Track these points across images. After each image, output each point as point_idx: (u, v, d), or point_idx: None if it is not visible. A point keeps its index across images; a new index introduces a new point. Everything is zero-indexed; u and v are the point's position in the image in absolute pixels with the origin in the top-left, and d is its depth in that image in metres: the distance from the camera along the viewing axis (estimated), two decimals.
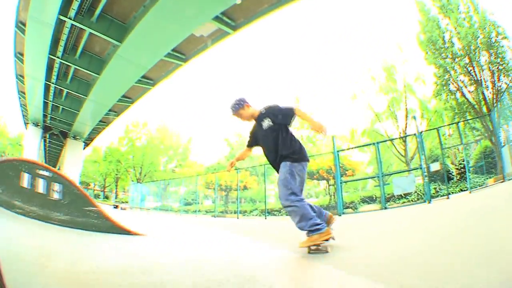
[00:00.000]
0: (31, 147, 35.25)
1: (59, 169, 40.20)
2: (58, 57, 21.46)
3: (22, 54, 23.56)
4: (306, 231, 2.98)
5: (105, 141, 49.96)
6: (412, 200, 12.64)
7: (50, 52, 20.67)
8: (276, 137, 3.12)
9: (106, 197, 50.93)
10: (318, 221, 2.96)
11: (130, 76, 22.25)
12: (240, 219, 15.08)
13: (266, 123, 3.20)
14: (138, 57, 19.45)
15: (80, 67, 22.58)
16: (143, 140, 43.96)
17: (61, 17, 16.98)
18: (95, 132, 39.57)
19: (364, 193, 20.15)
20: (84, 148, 44.31)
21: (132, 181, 38.92)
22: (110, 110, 30.87)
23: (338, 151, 12.83)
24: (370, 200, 16.15)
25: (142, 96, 27.87)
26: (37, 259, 2.04)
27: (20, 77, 28.93)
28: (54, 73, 24.04)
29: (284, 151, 3.07)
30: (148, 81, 24.90)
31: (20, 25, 20.79)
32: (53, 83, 25.60)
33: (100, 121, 33.95)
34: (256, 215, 19.63)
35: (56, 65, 22.87)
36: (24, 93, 31.46)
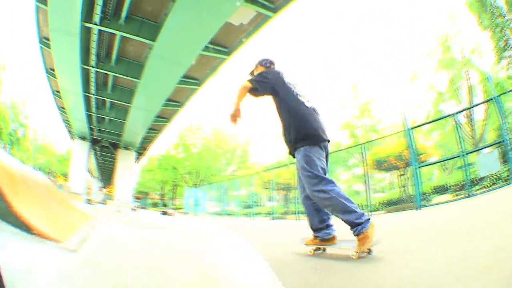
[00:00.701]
0: (79, 160, 40.59)
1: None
2: (92, 67, 23.96)
3: (53, 70, 26.76)
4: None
5: (160, 149, 55.40)
6: (487, 186, 11.94)
7: (82, 62, 23.08)
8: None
9: (165, 205, 57.22)
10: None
11: (171, 77, 23.80)
12: (301, 221, 15.19)
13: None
14: (175, 54, 20.65)
15: (118, 74, 25.02)
16: (198, 145, 47.16)
17: (86, 24, 19.01)
18: (147, 141, 43.82)
19: (433, 183, 21.10)
20: (137, 158, 49.33)
21: (187, 186, 41.88)
22: (159, 117, 33.78)
23: (411, 129, 12.33)
24: (442, 189, 16.42)
25: (190, 97, 29.56)
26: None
27: (57, 93, 33.17)
28: (92, 84, 26.93)
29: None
30: (193, 81, 26.30)
31: (45, 41, 23.93)
32: (92, 94, 28.69)
33: (151, 128, 37.25)
34: None
35: (92, 75, 25.56)
36: (64, 108, 36.14)
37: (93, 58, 23.37)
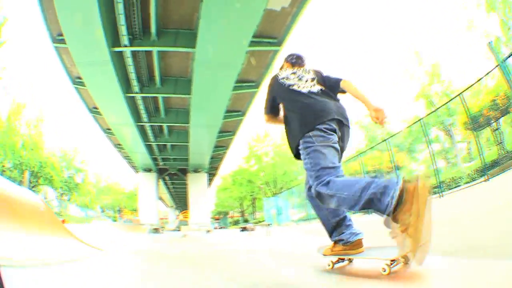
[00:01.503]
0: (146, 193, 40.82)
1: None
2: (136, 93, 22.66)
3: (96, 108, 26.27)
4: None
5: (232, 166, 55.56)
6: None
7: (124, 92, 21.85)
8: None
9: (246, 221, 57.11)
10: None
11: (224, 83, 21.79)
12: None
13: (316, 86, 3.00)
14: (221, 57, 18.95)
15: (167, 94, 23.66)
16: (270, 153, 45.45)
17: (115, 49, 17.80)
18: (216, 160, 42.62)
19: None
20: (210, 180, 48.74)
21: (266, 197, 40.26)
22: (223, 131, 31.88)
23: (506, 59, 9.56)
24: None
25: (251, 103, 27.37)
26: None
27: (108, 131, 32.75)
28: (142, 112, 25.70)
29: None
30: (249, 84, 24.20)
31: (77, 80, 23.16)
32: (145, 123, 27.53)
33: (217, 146, 35.63)
34: None
35: (139, 102, 24.22)
36: (120, 144, 35.99)
37: (134, 84, 21.84)
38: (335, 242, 2.74)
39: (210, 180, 47.78)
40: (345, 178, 2.44)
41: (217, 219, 64.19)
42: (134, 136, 29.73)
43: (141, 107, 25.10)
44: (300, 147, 2.69)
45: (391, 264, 2.20)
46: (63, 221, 28.98)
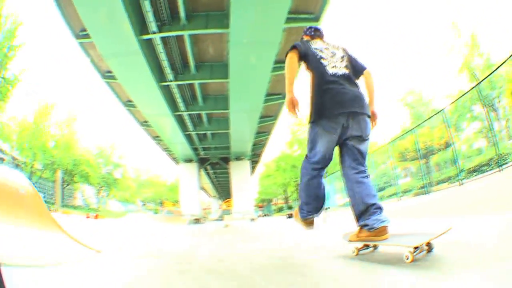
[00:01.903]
0: (187, 183, 40.78)
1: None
2: (170, 81, 22.05)
3: (130, 101, 26.21)
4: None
5: (275, 152, 54.44)
6: None
7: (158, 81, 21.26)
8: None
9: (290, 207, 57.16)
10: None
11: (263, 63, 20.64)
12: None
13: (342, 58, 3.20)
14: (256, 34, 18.00)
15: (203, 80, 22.82)
16: None
17: (143, 37, 17.26)
18: (259, 146, 41.91)
19: None
20: (253, 167, 48.11)
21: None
22: (264, 116, 30.88)
23: None
24: None
25: None
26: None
27: (145, 124, 32.66)
28: (178, 100, 25.05)
29: None
30: (278, 96, 23.75)
31: (107, 74, 23.07)
32: (183, 111, 26.90)
33: (259, 132, 34.91)
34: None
35: (175, 91, 23.59)
36: (158, 136, 35.80)
37: (168, 71, 21.11)
38: (361, 228, 2.74)
39: (252, 168, 47.04)
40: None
41: (261, 207, 63.82)
42: (172, 126, 29.20)
43: (177, 95, 24.40)
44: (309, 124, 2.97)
45: (414, 251, 2.22)
46: (96, 216, 29.35)
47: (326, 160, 2.95)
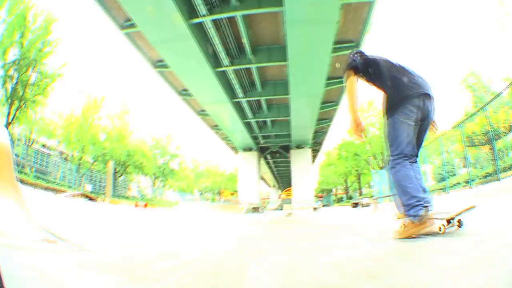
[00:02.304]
0: (246, 173, 40.58)
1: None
2: (226, 66, 21.68)
3: (186, 90, 26.35)
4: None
5: (336, 140, 52.55)
6: None
7: (213, 66, 20.95)
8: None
9: (350, 198, 55.14)
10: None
11: (321, 43, 19.53)
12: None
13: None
14: (312, 12, 16.91)
15: (260, 63, 22.38)
16: (377, 124, 41.70)
17: (194, 21, 17.03)
18: (320, 134, 40.77)
19: None
20: (314, 156, 46.74)
21: (373, 170, 37.15)
22: (326, 102, 29.83)
23: None
24: None
25: None
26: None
27: (202, 113, 32.61)
28: (236, 86, 24.66)
29: None
30: (348, 45, 21.48)
31: (159, 64, 21.42)
32: (241, 98, 26.51)
33: (320, 119, 33.82)
34: None
35: (231, 76, 23.22)
36: (217, 126, 35.92)
37: (223, 56, 20.74)
38: (407, 218, 2.79)
39: (313, 157, 45.97)
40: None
41: (320, 197, 62.38)
42: (231, 114, 28.96)
43: (234, 81, 24.03)
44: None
45: (448, 224, 2.72)
46: (146, 205, 29.78)
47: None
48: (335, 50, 20.65)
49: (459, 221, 2.76)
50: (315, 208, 21.73)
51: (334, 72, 24.27)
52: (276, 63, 22.15)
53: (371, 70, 3.11)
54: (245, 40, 19.92)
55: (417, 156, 2.96)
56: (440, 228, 2.66)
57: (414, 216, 2.67)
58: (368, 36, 20.86)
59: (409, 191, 2.76)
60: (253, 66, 22.48)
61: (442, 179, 26.84)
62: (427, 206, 2.67)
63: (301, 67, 21.87)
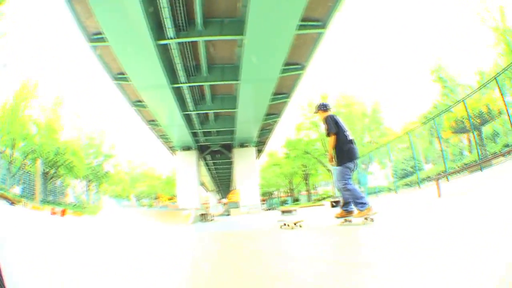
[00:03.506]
0: (185, 174, 36.64)
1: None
2: (171, 38, 18.17)
3: (122, 73, 22.64)
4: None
5: (280, 140, 49.94)
6: None
7: (155, 38, 17.54)
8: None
9: (296, 200, 53.64)
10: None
11: (287, 14, 17.40)
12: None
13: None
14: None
15: (211, 36, 19.04)
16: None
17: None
18: (266, 131, 37.95)
19: None
20: (256, 157, 43.93)
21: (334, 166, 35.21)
22: (277, 94, 27.04)
23: None
24: None
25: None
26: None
27: (138, 104, 28.58)
28: (179, 67, 20.98)
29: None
30: (316, 23, 20.06)
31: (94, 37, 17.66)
32: (183, 83, 22.85)
33: (269, 114, 30.99)
34: None
35: (176, 53, 19.48)
36: (154, 120, 31.74)
37: (168, 25, 17.43)
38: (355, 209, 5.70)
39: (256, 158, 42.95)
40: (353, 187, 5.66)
41: (263, 200, 59.66)
42: (170, 103, 25.09)
43: (178, 60, 20.35)
44: (339, 165, 5.74)
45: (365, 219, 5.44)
46: (63, 212, 24.58)
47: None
48: (300, 27, 18.73)
49: (372, 219, 5.33)
50: (284, 211, 17.06)
51: (293, 57, 22.16)
52: (230, 37, 19.20)
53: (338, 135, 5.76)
54: (197, 9, 16.82)
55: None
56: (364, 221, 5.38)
57: (363, 207, 5.33)
58: (336, 16, 19.27)
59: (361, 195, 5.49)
60: (201, 40, 19.08)
61: (406, 175, 25.86)
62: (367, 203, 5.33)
63: (259, 44, 19.18)
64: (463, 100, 15.25)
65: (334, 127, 5.66)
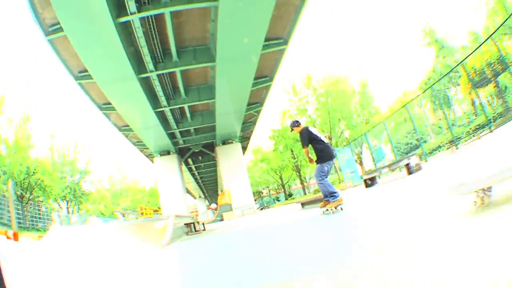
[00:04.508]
0: (168, 180, 34.03)
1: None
2: (131, 14, 15.07)
3: (85, 71, 20.01)
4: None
5: (265, 135, 47.35)
6: None
7: (115, 15, 14.66)
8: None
9: (290, 195, 52.71)
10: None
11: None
12: None
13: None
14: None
15: (176, 6, 15.97)
16: (313, 102, 38.05)
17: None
18: (248, 125, 35.32)
19: None
20: (244, 151, 41.16)
21: (336, 147, 32.98)
22: (258, 78, 24.64)
23: None
24: None
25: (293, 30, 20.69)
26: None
27: (104, 106, 25.68)
28: (144, 52, 18.22)
29: None
30: (278, 41, 21.06)
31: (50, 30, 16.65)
32: (151, 72, 20.01)
33: (250, 104, 28.41)
34: None
35: (138, 35, 16.58)
36: (127, 126, 29.08)
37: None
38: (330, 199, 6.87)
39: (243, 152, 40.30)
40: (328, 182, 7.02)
41: (254, 200, 57.13)
42: (139, 99, 22.27)
43: (141, 41, 17.38)
44: (318, 164, 6.99)
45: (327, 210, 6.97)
46: (15, 235, 21.22)
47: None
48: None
49: (342, 208, 6.76)
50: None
51: (273, 32, 19.85)
52: (199, 4, 16.11)
53: (311, 143, 7.05)
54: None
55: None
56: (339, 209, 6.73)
57: (335, 198, 6.63)
58: None
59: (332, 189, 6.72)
60: (166, 11, 15.91)
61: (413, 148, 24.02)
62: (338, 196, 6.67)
63: (235, 14, 16.36)
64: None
65: (306, 141, 7.07)
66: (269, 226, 8.50)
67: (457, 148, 13.49)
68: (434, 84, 27.56)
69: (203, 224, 15.76)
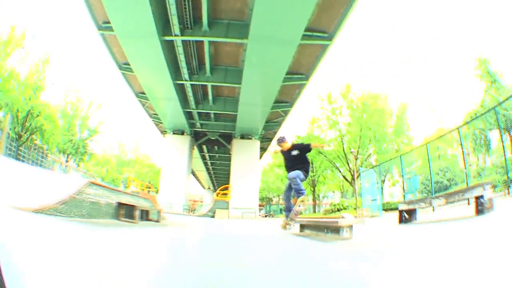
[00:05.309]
0: (174, 162, 32.29)
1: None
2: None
3: (107, 22, 18.97)
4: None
5: (290, 138, 44.35)
6: None
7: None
8: (298, 159, 7.06)
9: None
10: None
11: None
12: None
13: (295, 152, 7.05)
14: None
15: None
16: (346, 117, 35.10)
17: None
18: (273, 124, 33.56)
19: None
20: (261, 155, 39.08)
21: (361, 167, 29.86)
22: (292, 73, 22.83)
23: None
24: None
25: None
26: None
27: (124, 66, 24.36)
28: (173, 21, 17.16)
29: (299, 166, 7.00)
30: (321, 34, 19.36)
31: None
32: (176, 36, 18.57)
33: (278, 102, 26.66)
34: None
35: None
36: (143, 93, 27.50)
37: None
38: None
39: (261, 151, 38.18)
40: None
41: (261, 206, 54.75)
42: (160, 64, 20.59)
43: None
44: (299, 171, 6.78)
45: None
46: None
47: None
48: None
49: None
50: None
51: (317, 23, 18.44)
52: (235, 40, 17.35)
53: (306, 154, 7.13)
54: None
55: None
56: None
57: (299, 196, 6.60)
58: None
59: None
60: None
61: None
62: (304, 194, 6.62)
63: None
64: None
65: (305, 144, 7.37)
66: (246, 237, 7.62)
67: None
68: (472, 120, 24.29)
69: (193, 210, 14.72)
